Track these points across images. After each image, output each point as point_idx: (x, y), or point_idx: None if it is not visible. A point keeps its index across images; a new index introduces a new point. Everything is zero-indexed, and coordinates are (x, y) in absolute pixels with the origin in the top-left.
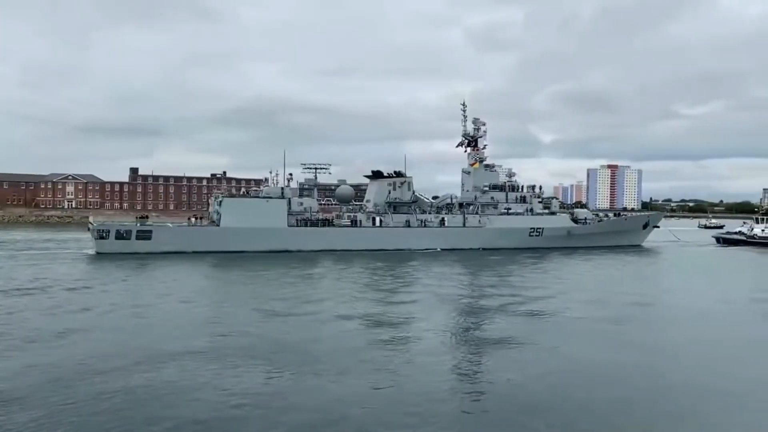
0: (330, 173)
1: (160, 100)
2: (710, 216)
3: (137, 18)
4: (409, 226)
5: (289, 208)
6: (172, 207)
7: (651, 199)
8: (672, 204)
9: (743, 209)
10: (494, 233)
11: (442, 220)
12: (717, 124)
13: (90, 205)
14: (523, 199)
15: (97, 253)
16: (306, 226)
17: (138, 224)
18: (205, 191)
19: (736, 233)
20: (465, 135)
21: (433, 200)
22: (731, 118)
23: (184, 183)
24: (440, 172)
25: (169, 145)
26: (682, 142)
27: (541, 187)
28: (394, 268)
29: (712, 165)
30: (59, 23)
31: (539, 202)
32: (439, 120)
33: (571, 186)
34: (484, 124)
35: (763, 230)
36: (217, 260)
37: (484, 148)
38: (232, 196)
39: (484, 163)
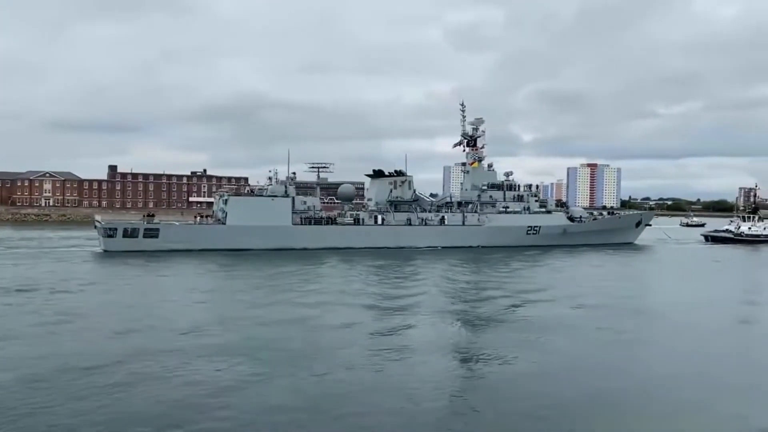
0: (332, 172)
1: (134, 96)
2: (692, 214)
3: (109, 12)
4: (410, 224)
5: (293, 206)
6: (152, 205)
7: (630, 197)
8: (650, 202)
9: (720, 207)
10: (493, 231)
11: (442, 218)
12: (693, 124)
13: (68, 203)
14: (521, 198)
15: (105, 251)
16: (310, 224)
17: (145, 222)
18: (185, 189)
19: (723, 231)
20: (464, 134)
21: (432, 199)
22: (707, 118)
23: (164, 181)
24: (423, 169)
25: (146, 142)
26: (660, 141)
27: (538, 186)
28: (397, 266)
29: (689, 164)
30: (27, 17)
31: (536, 200)
32: (419, 118)
33: (551, 184)
34: (483, 122)
35: (749, 228)
36: (223, 257)
37: (482, 147)
38: (238, 194)
39: (483, 161)
